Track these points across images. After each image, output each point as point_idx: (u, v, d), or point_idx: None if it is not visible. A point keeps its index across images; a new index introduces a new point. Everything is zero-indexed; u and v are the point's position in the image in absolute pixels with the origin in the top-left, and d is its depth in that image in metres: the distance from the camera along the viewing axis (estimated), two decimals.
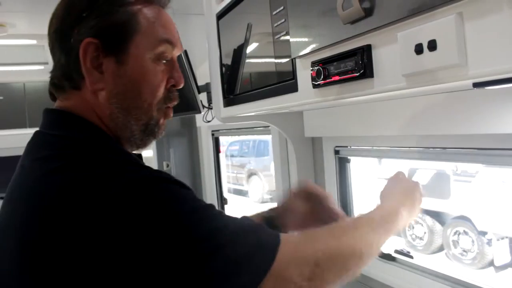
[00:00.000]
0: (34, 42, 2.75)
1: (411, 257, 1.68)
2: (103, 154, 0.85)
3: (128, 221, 0.73)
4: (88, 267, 0.73)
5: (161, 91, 0.94)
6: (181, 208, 0.78)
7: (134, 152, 0.99)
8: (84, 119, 0.91)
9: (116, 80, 0.90)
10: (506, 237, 4.62)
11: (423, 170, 5.49)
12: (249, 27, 1.53)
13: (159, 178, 0.80)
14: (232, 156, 10.37)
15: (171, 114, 0.99)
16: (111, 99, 0.91)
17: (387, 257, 1.74)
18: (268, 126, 2.31)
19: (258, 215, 1.22)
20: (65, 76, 0.92)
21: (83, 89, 0.91)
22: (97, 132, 0.91)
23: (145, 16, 0.91)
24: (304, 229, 1.10)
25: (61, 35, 0.91)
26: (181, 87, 0.98)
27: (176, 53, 0.97)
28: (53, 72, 0.96)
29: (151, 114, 0.94)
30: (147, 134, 0.96)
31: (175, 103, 0.98)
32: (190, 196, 0.81)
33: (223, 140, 3.78)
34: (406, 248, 1.82)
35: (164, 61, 0.94)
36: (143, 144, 0.98)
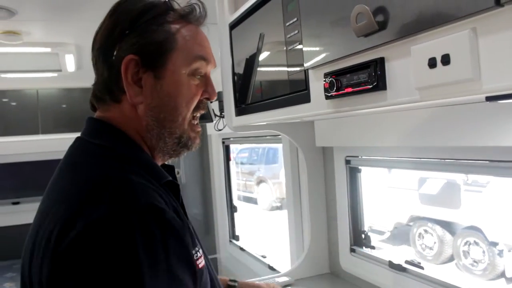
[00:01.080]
0: (48, 50, 2.78)
1: (422, 268, 1.68)
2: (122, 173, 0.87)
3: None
4: None
5: (194, 104, 0.99)
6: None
7: (167, 163, 1.06)
8: (121, 130, 0.96)
9: (153, 94, 0.96)
10: None
11: (433, 180, 5.46)
12: (261, 37, 1.54)
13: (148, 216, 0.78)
14: (241, 163, 10.38)
15: (199, 128, 1.04)
16: (148, 111, 0.96)
17: (397, 267, 1.73)
18: (279, 135, 2.32)
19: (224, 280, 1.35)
20: (107, 89, 0.98)
21: (123, 102, 0.97)
22: (130, 144, 0.96)
23: (182, 35, 0.97)
24: None
25: (105, 51, 0.97)
26: (213, 100, 1.04)
27: (210, 68, 1.03)
28: (96, 85, 1.01)
29: (183, 128, 0.99)
30: (181, 147, 1.01)
31: (203, 112, 1.03)
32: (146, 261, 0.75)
33: (233, 147, 3.80)
34: (416, 258, 1.81)
35: (199, 76, 1.00)
36: (176, 155, 1.03)
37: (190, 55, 0.97)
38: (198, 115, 1.03)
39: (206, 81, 1.02)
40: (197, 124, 1.04)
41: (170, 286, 0.77)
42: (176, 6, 1.00)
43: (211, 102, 1.05)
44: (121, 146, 0.94)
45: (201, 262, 0.90)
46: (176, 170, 1.12)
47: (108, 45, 0.96)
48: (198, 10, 1.01)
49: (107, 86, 0.98)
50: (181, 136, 0.99)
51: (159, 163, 1.03)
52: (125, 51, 0.93)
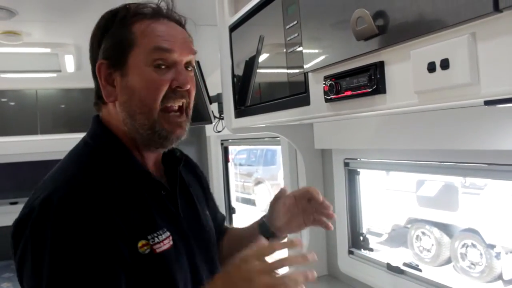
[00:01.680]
0: (48, 50, 2.78)
1: (420, 270, 1.68)
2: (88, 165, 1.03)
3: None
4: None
5: (161, 94, 1.04)
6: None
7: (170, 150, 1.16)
8: (107, 128, 1.10)
9: (122, 91, 1.06)
10: None
11: (431, 182, 5.48)
12: (261, 39, 1.55)
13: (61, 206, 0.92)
14: (239, 164, 10.38)
15: (178, 119, 1.08)
16: (121, 107, 1.07)
17: (395, 270, 1.74)
18: (277, 137, 2.32)
19: (253, 224, 1.35)
20: (96, 93, 1.12)
21: (108, 103, 1.10)
22: (111, 140, 1.09)
23: (141, 31, 1.04)
24: (292, 227, 1.27)
25: (91, 61, 1.11)
26: (186, 88, 1.07)
27: (180, 57, 1.06)
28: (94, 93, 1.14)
29: (153, 118, 1.05)
30: (159, 137, 1.07)
31: (181, 101, 1.08)
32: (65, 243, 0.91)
33: (231, 148, 3.80)
34: (414, 261, 1.81)
35: (163, 66, 1.05)
36: (160, 145, 1.10)
37: (148, 48, 1.03)
38: (175, 104, 1.07)
39: (175, 70, 1.06)
40: (175, 114, 1.07)
41: (53, 263, 0.90)
42: (141, 7, 1.08)
43: (181, 89, 1.06)
44: (101, 143, 1.08)
45: (160, 247, 1.00)
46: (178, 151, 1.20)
47: (92, 55, 1.10)
48: (162, 6, 1.09)
49: (97, 92, 1.11)
50: (153, 126, 1.05)
51: (151, 155, 1.14)
52: (99, 58, 1.06)
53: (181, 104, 1.08)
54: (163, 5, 1.10)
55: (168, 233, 1.03)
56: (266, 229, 1.30)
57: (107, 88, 1.07)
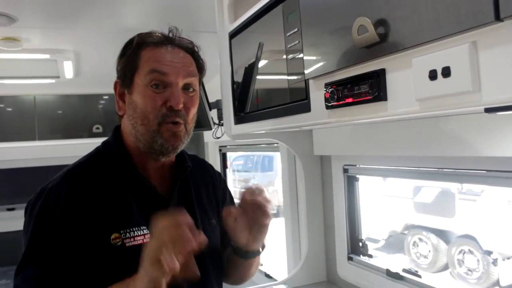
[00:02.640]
0: (47, 56, 2.78)
1: (419, 276, 1.69)
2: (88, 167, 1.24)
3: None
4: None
5: (156, 110, 1.19)
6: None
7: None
8: (119, 138, 1.29)
9: (128, 106, 1.24)
10: None
11: (428, 188, 5.49)
12: (260, 46, 1.56)
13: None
14: (237, 171, 10.37)
15: (174, 129, 1.20)
16: (128, 120, 1.25)
17: (395, 276, 1.74)
18: (276, 143, 2.33)
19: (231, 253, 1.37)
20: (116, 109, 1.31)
21: (123, 116, 1.28)
22: (118, 147, 1.27)
23: (144, 56, 1.22)
24: (256, 235, 1.28)
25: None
26: (178, 108, 1.19)
27: (175, 79, 1.20)
28: None
29: (153, 129, 1.19)
30: (159, 145, 1.21)
31: (177, 119, 1.20)
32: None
33: (228, 154, 3.81)
34: (411, 267, 1.82)
35: (157, 86, 1.19)
36: (161, 154, 1.23)
37: (146, 70, 1.20)
38: (172, 120, 1.19)
39: (170, 90, 1.20)
40: (171, 125, 1.20)
41: (29, 241, 1.12)
42: (151, 36, 1.25)
43: (176, 109, 1.19)
44: (109, 149, 1.28)
45: (130, 242, 1.14)
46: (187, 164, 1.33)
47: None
48: (167, 34, 1.26)
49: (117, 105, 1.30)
50: (152, 136, 1.20)
51: (154, 164, 1.27)
52: (116, 78, 1.27)
53: (177, 121, 1.20)
54: (173, 32, 1.27)
55: (146, 231, 1.17)
56: (242, 252, 1.32)
57: (119, 103, 1.27)
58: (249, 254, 1.32)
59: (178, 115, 1.20)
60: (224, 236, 1.37)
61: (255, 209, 1.24)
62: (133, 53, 1.24)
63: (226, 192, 1.50)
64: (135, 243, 1.16)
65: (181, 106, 1.20)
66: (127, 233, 1.16)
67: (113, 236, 1.14)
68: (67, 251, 1.11)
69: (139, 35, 1.27)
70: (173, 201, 1.27)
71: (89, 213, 1.14)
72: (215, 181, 1.47)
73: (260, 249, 1.35)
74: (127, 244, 1.15)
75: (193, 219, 1.18)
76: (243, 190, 1.27)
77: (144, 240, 1.16)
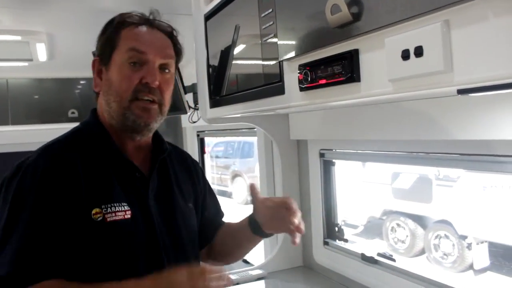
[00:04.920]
0: (18, 38, 2.70)
1: (394, 260, 1.70)
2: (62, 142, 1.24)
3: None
4: None
5: (131, 86, 1.21)
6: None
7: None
8: (96, 115, 1.31)
9: (104, 82, 1.26)
10: (486, 241, 4.69)
11: (406, 174, 5.55)
12: (237, 29, 1.53)
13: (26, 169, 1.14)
14: (216, 157, 10.36)
15: (145, 105, 1.23)
16: (102, 96, 1.27)
17: (370, 260, 1.75)
18: (254, 128, 2.31)
19: (243, 220, 1.43)
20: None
21: (99, 94, 1.30)
22: (95, 125, 1.29)
23: (123, 35, 1.25)
24: (273, 227, 1.34)
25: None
26: (154, 85, 1.22)
27: (152, 58, 1.23)
28: None
29: (124, 105, 1.22)
30: (130, 122, 1.23)
31: (150, 96, 1.23)
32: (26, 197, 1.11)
33: (208, 141, 3.78)
34: (389, 252, 1.83)
35: (134, 64, 1.22)
36: (133, 131, 1.26)
37: (125, 48, 1.23)
38: (145, 97, 1.22)
39: (147, 68, 1.22)
40: (144, 102, 1.23)
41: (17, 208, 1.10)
42: (131, 16, 1.28)
43: (152, 86, 1.22)
44: (87, 127, 1.29)
45: (111, 217, 1.15)
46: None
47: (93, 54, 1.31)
48: (147, 15, 1.29)
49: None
50: (124, 113, 1.22)
51: (131, 143, 1.29)
52: (95, 55, 1.29)
53: (151, 100, 1.23)
54: (153, 14, 1.30)
55: (126, 207, 1.18)
56: (256, 224, 1.37)
57: (97, 80, 1.29)
58: (259, 229, 1.36)
59: (152, 92, 1.23)
60: (207, 221, 1.48)
61: (285, 213, 1.28)
62: (113, 31, 1.26)
63: (205, 181, 1.54)
64: (116, 218, 1.16)
65: (156, 83, 1.23)
66: (108, 208, 1.16)
67: (93, 211, 1.14)
68: (47, 228, 1.09)
69: (121, 14, 1.29)
70: (153, 181, 1.29)
71: (68, 188, 1.13)
72: (193, 168, 1.50)
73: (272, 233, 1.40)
74: (108, 219, 1.15)
75: (172, 200, 1.33)
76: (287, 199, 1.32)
77: (125, 216, 1.17)
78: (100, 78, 1.28)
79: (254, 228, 1.37)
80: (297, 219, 1.26)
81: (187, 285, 1.05)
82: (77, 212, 1.12)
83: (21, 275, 1.04)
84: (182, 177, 1.42)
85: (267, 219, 1.34)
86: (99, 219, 1.14)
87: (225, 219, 1.59)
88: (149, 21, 1.29)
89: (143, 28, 1.27)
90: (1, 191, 1.16)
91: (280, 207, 1.30)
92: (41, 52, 2.93)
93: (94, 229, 1.13)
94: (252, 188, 1.39)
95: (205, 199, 1.51)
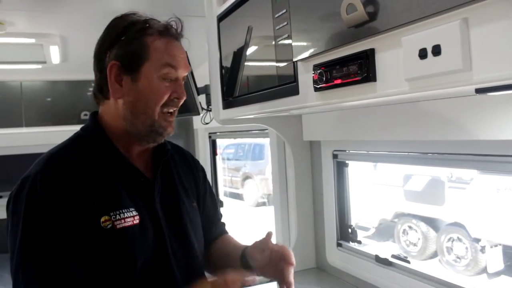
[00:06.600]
0: (32, 41, 2.72)
1: (408, 262, 1.68)
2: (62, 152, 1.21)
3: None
4: None
5: (162, 100, 1.22)
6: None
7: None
8: (98, 122, 1.27)
9: (130, 93, 1.22)
10: (500, 244, 4.63)
11: (418, 176, 5.51)
12: (249, 30, 1.53)
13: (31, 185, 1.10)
14: (227, 159, 10.36)
15: (170, 119, 1.26)
16: (124, 105, 1.23)
17: (384, 262, 1.74)
18: (266, 129, 2.31)
19: (238, 249, 1.41)
20: (99, 88, 1.27)
21: (110, 99, 1.24)
22: (97, 132, 1.25)
23: (155, 47, 1.21)
24: (261, 272, 1.32)
25: (98, 58, 1.25)
26: (183, 99, 1.25)
27: (181, 73, 1.25)
28: (93, 86, 1.30)
29: (154, 118, 1.22)
30: (154, 133, 1.24)
31: (175, 108, 1.26)
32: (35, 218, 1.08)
33: (219, 143, 3.78)
34: (401, 253, 1.82)
35: (169, 80, 1.22)
36: (152, 140, 1.27)
37: (160, 63, 1.21)
38: (170, 110, 1.25)
39: (176, 83, 1.24)
40: (169, 115, 1.25)
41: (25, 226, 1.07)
42: (155, 23, 1.24)
43: (178, 100, 1.24)
44: (88, 133, 1.26)
45: (121, 224, 1.14)
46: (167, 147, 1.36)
47: (100, 53, 1.24)
48: (174, 26, 1.26)
49: (99, 86, 1.26)
50: (152, 125, 1.23)
51: (136, 149, 1.28)
52: (111, 58, 1.21)
53: (173, 111, 1.26)
54: (173, 24, 1.27)
55: (135, 213, 1.18)
56: (247, 265, 1.35)
57: (115, 86, 1.22)
58: (247, 266, 1.34)
59: (177, 104, 1.26)
60: (205, 221, 1.45)
61: (281, 264, 1.27)
62: (137, 38, 1.21)
63: (206, 180, 1.53)
64: (126, 224, 1.16)
65: (185, 98, 1.26)
66: (117, 215, 1.15)
67: (102, 219, 1.13)
68: (64, 239, 1.07)
69: (146, 21, 1.25)
70: (157, 183, 1.29)
71: (80, 197, 1.11)
72: (194, 167, 1.49)
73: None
74: (117, 226, 1.14)
75: (177, 200, 1.33)
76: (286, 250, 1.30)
77: (134, 222, 1.17)
78: (120, 85, 1.22)
79: (245, 266, 1.35)
80: (292, 275, 1.26)
81: None
82: (89, 220, 1.11)
83: None
84: (185, 176, 1.42)
85: (260, 264, 1.31)
86: (108, 226, 1.13)
87: (234, 222, 1.58)
88: (173, 31, 1.26)
89: (169, 40, 1.25)
90: (9, 209, 1.13)
91: (277, 256, 1.27)
92: (54, 54, 2.95)
93: (104, 237, 1.12)
94: (268, 236, 1.35)
95: (205, 198, 1.50)
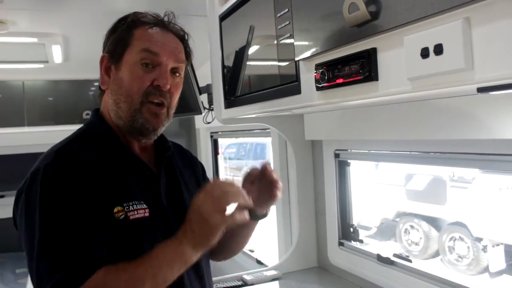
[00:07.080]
0: (35, 40, 2.72)
1: (410, 261, 1.69)
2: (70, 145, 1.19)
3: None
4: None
5: (142, 88, 1.20)
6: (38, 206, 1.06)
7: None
8: (100, 115, 1.28)
9: (113, 81, 1.24)
10: (502, 244, 4.63)
11: (420, 176, 5.51)
12: (251, 29, 1.53)
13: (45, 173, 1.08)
14: (229, 158, 10.36)
15: (157, 111, 1.22)
16: (110, 95, 1.25)
17: (386, 261, 1.74)
18: (268, 129, 2.31)
19: None
20: (99, 85, 1.30)
21: (105, 93, 1.28)
22: (101, 126, 1.26)
23: (137, 35, 1.23)
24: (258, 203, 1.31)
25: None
26: (166, 89, 1.21)
27: (164, 60, 1.21)
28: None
29: (135, 107, 1.20)
30: (139, 125, 1.22)
31: (161, 99, 1.22)
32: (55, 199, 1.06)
33: (220, 142, 3.78)
34: (403, 252, 1.82)
35: (146, 65, 1.20)
36: (139, 134, 1.24)
37: (139, 49, 1.21)
38: (155, 100, 1.21)
39: (159, 71, 1.21)
40: (155, 106, 1.22)
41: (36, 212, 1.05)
42: (145, 16, 1.26)
43: (163, 90, 1.21)
44: (93, 128, 1.26)
45: (134, 215, 1.14)
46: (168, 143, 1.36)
47: (103, 51, 1.28)
48: (162, 17, 1.27)
49: (100, 82, 1.29)
50: (134, 115, 1.21)
51: (138, 142, 1.27)
52: (104, 52, 1.27)
53: (161, 102, 1.22)
54: (168, 17, 1.28)
55: (145, 205, 1.18)
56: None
57: (104, 78, 1.26)
58: (254, 216, 1.33)
59: (162, 95, 1.21)
60: None
61: (269, 182, 1.30)
62: (126, 30, 1.24)
63: (205, 176, 1.52)
64: (138, 216, 1.15)
65: (168, 86, 1.21)
66: (130, 206, 1.15)
67: (115, 210, 1.12)
68: (85, 221, 1.06)
69: (135, 13, 1.27)
70: (162, 178, 1.29)
71: (91, 184, 1.10)
72: (194, 163, 1.50)
73: (265, 212, 1.38)
74: (131, 217, 1.14)
75: (181, 194, 1.33)
76: (264, 163, 1.32)
77: (145, 214, 1.17)
78: (108, 76, 1.25)
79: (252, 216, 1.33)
80: (280, 189, 1.31)
81: (211, 208, 1.06)
82: (103, 210, 1.10)
83: (76, 273, 1.01)
84: (186, 172, 1.42)
85: (253, 196, 1.28)
86: (121, 217, 1.13)
87: None
88: (163, 23, 1.27)
89: (157, 30, 1.25)
90: (18, 202, 1.12)
91: (263, 182, 1.30)
92: (56, 54, 2.96)
93: (117, 227, 1.11)
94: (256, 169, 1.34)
95: None
